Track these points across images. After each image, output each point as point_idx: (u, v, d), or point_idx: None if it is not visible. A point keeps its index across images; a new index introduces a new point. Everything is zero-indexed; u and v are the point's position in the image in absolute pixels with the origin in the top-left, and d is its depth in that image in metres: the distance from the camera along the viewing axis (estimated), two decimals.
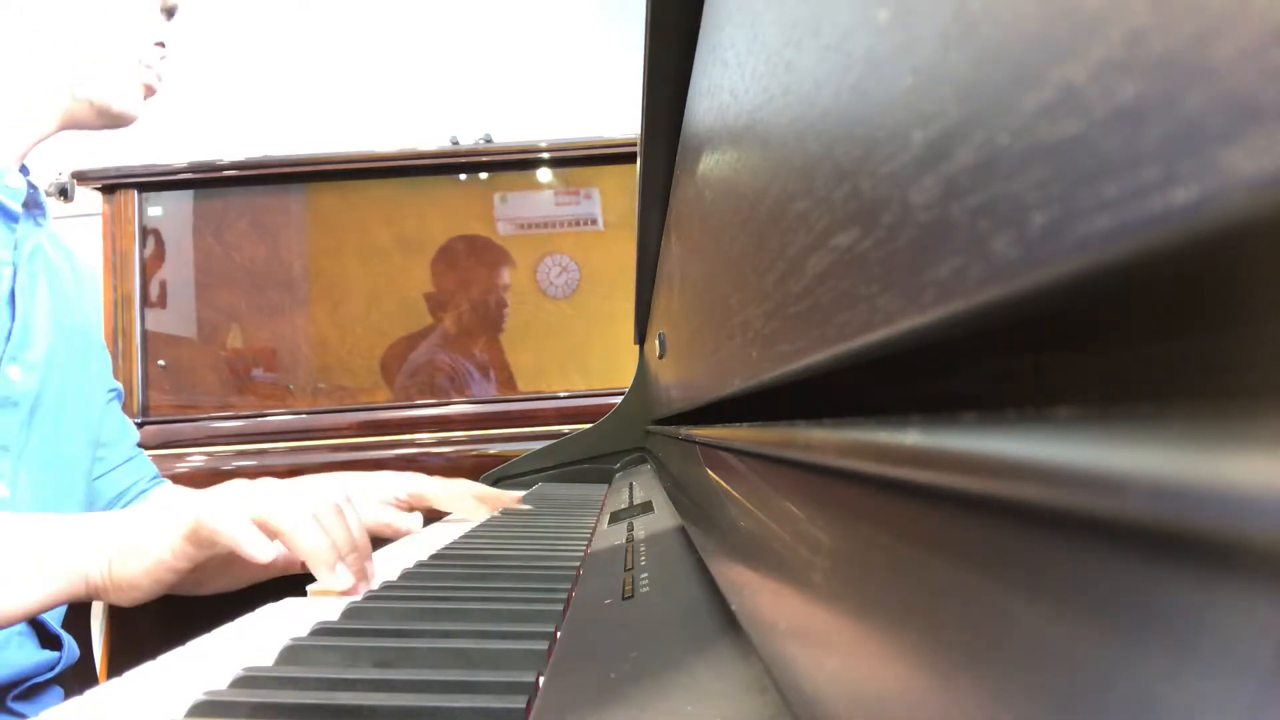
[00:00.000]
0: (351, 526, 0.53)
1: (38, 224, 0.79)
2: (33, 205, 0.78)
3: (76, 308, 0.82)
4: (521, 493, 0.97)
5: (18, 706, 0.70)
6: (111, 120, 0.79)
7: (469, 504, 0.88)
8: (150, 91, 0.81)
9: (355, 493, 0.64)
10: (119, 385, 0.93)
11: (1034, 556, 0.11)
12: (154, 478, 0.92)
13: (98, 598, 0.54)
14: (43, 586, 0.53)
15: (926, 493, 0.14)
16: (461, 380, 1.39)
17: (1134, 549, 0.09)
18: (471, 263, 1.41)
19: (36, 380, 0.73)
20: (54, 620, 0.74)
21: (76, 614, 0.93)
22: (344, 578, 0.51)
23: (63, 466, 0.76)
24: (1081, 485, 0.09)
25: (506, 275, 1.41)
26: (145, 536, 0.53)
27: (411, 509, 0.80)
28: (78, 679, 0.82)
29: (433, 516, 0.87)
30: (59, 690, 0.75)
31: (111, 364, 0.94)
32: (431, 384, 1.37)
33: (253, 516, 0.51)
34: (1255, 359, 0.08)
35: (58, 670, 0.74)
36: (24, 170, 0.78)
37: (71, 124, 0.78)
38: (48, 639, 0.73)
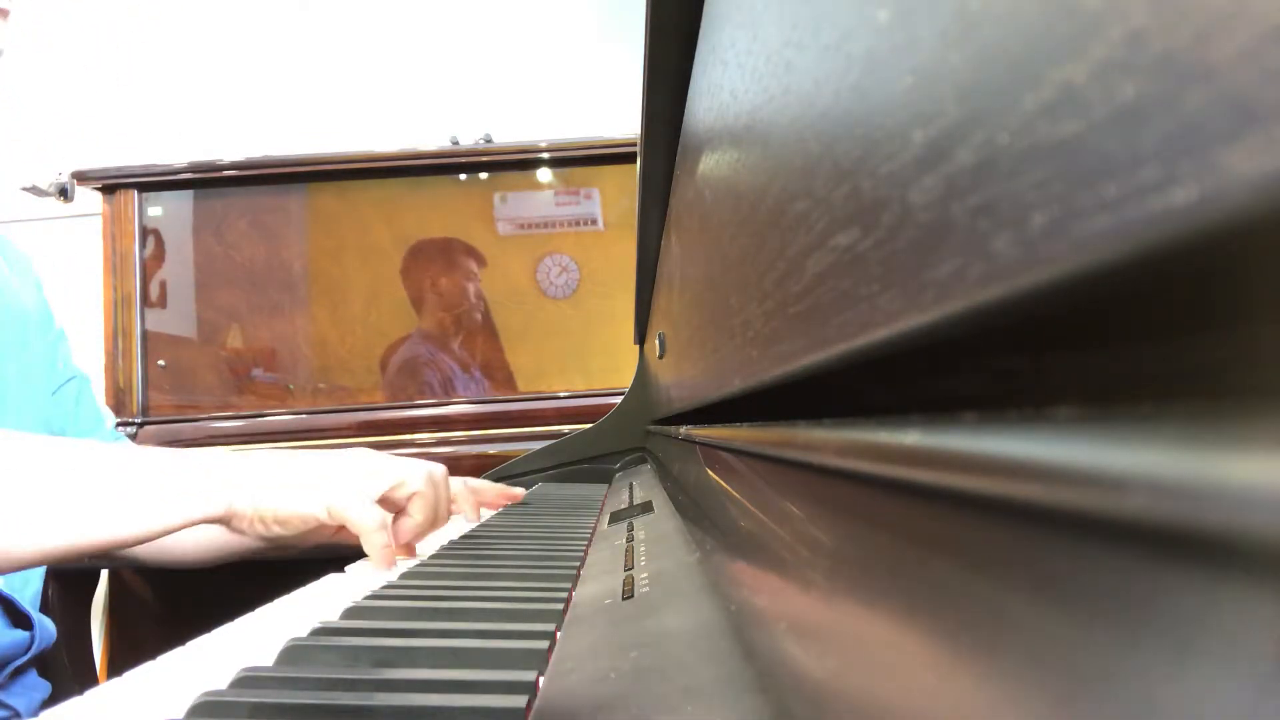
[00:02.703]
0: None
1: None
2: None
3: (8, 291, 0.81)
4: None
5: (3, 698, 0.69)
6: None
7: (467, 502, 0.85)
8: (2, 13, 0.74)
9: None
10: (81, 371, 0.91)
11: (1034, 556, 0.11)
12: None
13: (237, 528, 0.57)
14: (182, 509, 0.54)
15: (926, 493, 0.14)
16: (460, 380, 1.39)
17: (1134, 549, 0.09)
18: (445, 263, 1.41)
19: None
20: (23, 599, 0.73)
21: (76, 614, 0.93)
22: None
23: None
24: (1081, 485, 0.09)
25: (478, 272, 1.42)
26: (298, 491, 0.57)
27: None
28: (77, 678, 0.82)
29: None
30: (46, 684, 0.75)
31: (69, 348, 0.91)
32: (430, 384, 1.37)
33: (375, 496, 0.59)
34: (1255, 359, 0.08)
35: (32, 653, 0.73)
36: None
37: None
38: (18, 618, 0.73)
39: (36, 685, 0.75)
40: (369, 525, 0.57)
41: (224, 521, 0.56)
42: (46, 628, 0.76)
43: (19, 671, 0.72)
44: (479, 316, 1.41)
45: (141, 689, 0.33)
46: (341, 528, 0.59)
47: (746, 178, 0.28)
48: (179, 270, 1.37)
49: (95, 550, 0.52)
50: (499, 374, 1.40)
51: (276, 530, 0.57)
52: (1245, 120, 0.06)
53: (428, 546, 0.64)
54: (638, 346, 1.23)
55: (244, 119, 2.22)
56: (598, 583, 0.44)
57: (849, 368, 0.18)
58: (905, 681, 0.14)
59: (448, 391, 1.37)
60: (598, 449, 1.21)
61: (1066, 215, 0.09)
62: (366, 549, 0.57)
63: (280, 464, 0.59)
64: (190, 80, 2.23)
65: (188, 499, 0.54)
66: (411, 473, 0.62)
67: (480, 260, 1.41)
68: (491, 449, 1.30)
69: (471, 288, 1.41)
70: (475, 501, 0.86)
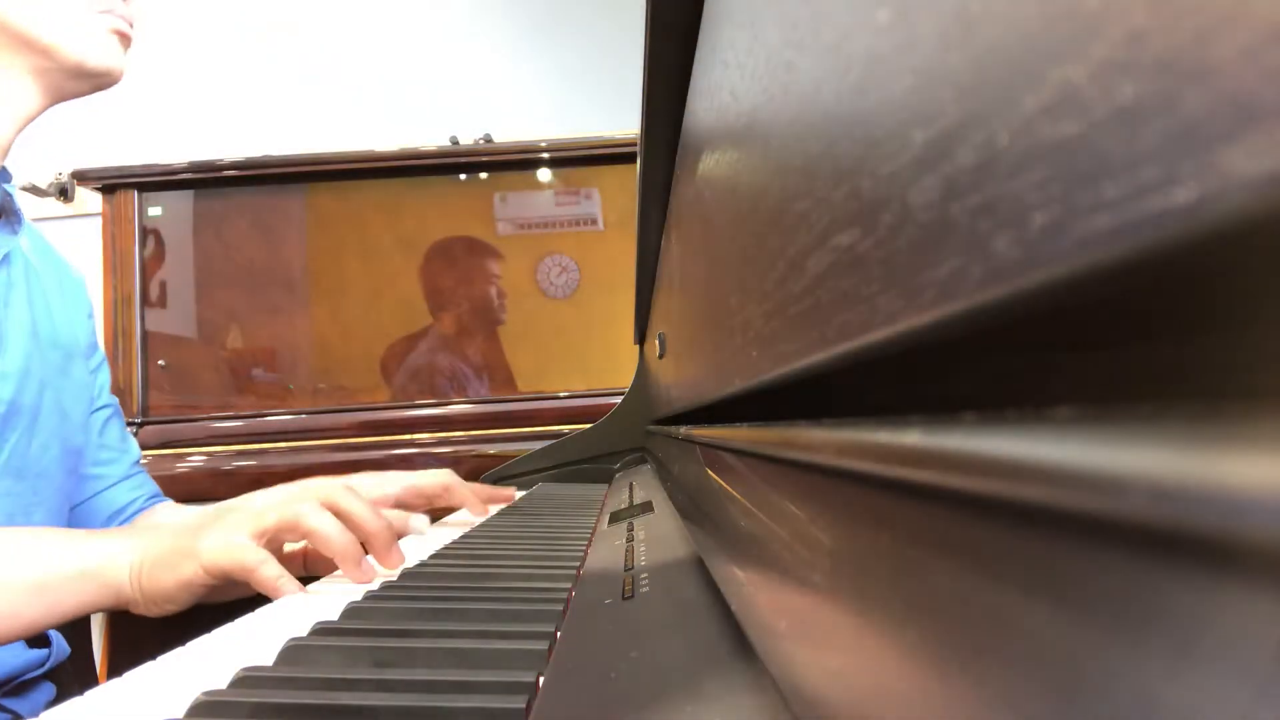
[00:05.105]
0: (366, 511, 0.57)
1: (14, 231, 0.78)
2: (7, 213, 0.77)
3: (59, 318, 0.81)
4: (512, 490, 0.94)
5: (9, 703, 0.70)
6: (94, 80, 0.75)
7: (465, 495, 0.84)
8: (125, 40, 0.76)
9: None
10: (115, 400, 0.92)
11: (1034, 556, 0.11)
12: (153, 495, 0.92)
13: (130, 609, 0.56)
14: (77, 597, 0.54)
15: (926, 493, 0.14)
16: (460, 380, 1.39)
17: (1133, 549, 0.09)
18: (468, 262, 1.41)
19: (11, 389, 0.72)
20: None
21: None
22: (369, 571, 0.54)
23: (35, 478, 0.75)
24: (1081, 485, 0.09)
25: (500, 271, 1.42)
26: (175, 558, 0.55)
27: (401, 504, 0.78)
28: (77, 678, 0.82)
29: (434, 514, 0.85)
30: (50, 686, 0.75)
31: (109, 377, 0.92)
32: (431, 384, 1.37)
33: (279, 523, 0.54)
34: (1255, 359, 0.08)
35: (47, 666, 0.73)
36: (2, 176, 0.77)
37: (57, 95, 0.75)
38: (37, 638, 0.73)
39: (48, 693, 0.75)
40: (250, 567, 0.52)
41: (117, 608, 0.55)
42: (62, 644, 0.76)
43: (32, 684, 0.73)
44: (498, 317, 1.41)
45: (141, 689, 0.33)
46: (310, 551, 0.59)
47: (746, 178, 0.28)
48: (179, 270, 1.37)
49: None
50: (499, 374, 1.40)
51: (171, 609, 0.55)
52: (1245, 120, 0.06)
53: (422, 550, 0.64)
54: (638, 346, 1.23)
55: (244, 119, 2.22)
56: (598, 583, 0.44)
57: (849, 368, 0.18)
58: (905, 682, 0.14)
59: (463, 391, 1.38)
60: (598, 449, 1.21)
61: (1066, 215, 0.09)
62: (261, 590, 0.53)
63: (156, 536, 0.56)
64: (190, 80, 2.23)
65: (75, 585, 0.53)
66: (301, 507, 0.55)
67: (499, 258, 1.42)
68: (491, 449, 1.29)
69: (494, 289, 1.41)
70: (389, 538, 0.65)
